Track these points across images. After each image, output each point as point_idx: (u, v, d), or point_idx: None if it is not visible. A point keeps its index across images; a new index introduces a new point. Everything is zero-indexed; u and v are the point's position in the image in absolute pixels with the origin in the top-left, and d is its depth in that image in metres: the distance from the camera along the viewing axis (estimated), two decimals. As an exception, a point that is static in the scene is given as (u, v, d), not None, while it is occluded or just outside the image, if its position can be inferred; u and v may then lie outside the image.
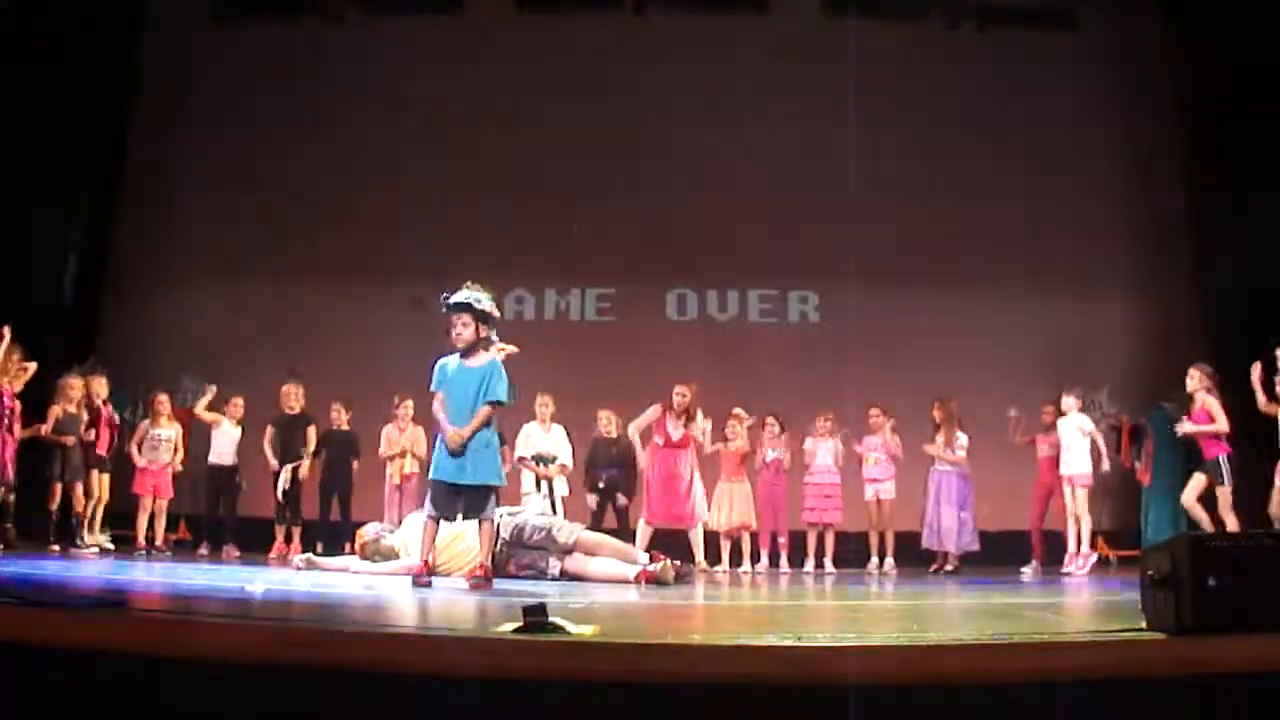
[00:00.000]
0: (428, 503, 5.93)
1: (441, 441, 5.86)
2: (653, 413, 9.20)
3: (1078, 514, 9.12)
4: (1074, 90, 11.73)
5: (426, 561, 5.94)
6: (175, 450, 9.93)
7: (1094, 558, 8.96)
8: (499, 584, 5.92)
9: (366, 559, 7.16)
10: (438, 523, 5.96)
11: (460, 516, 5.96)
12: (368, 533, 7.41)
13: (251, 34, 12.06)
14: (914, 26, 11.77)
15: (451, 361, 5.95)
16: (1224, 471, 8.29)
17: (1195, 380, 8.66)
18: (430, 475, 5.93)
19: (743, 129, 11.68)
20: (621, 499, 9.44)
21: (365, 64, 11.83)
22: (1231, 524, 8.25)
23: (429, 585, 5.69)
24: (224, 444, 10.02)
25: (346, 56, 11.87)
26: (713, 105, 11.72)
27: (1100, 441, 9.35)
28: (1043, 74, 11.76)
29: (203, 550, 9.73)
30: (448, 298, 5.93)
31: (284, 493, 9.78)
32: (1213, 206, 11.22)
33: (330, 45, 11.90)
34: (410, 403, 9.58)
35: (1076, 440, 9.24)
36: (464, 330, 5.89)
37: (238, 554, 9.45)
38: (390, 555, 7.06)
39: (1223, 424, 8.33)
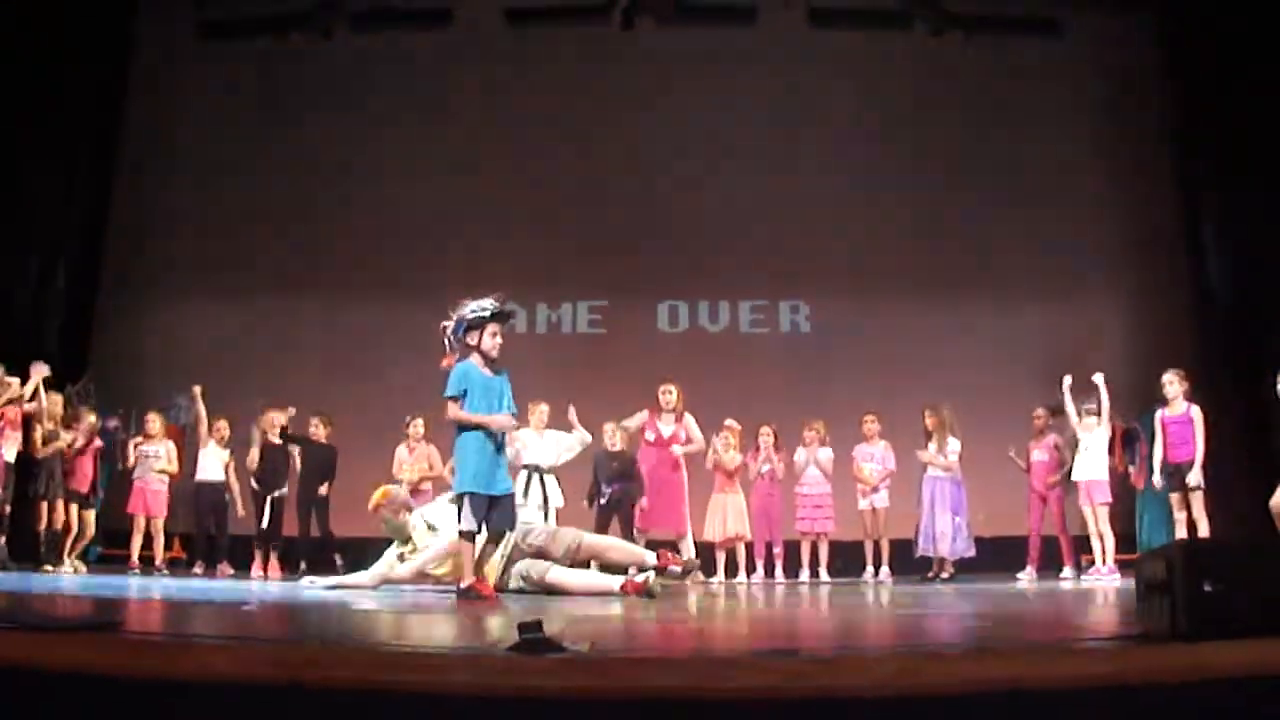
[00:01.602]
0: (469, 517, 5.85)
1: (484, 453, 5.87)
2: (641, 416, 9.21)
3: (1100, 531, 9.08)
4: (1063, 96, 11.82)
5: (479, 579, 5.92)
6: (169, 464, 9.90)
7: (1116, 576, 8.91)
8: (501, 597, 5.92)
9: (379, 515, 7.01)
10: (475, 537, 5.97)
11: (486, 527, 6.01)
12: (395, 493, 7.21)
13: (240, 52, 12.07)
14: (900, 36, 11.81)
15: (473, 369, 6.00)
16: (1200, 476, 8.48)
17: (1177, 385, 8.71)
18: (469, 487, 5.86)
19: (731, 139, 11.73)
20: (626, 511, 9.37)
21: (354, 80, 11.87)
22: (1204, 527, 8.36)
23: (494, 601, 5.62)
24: (211, 462, 9.97)
25: (335, 73, 11.90)
26: (701, 117, 11.78)
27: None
28: (1031, 80, 11.84)
29: (197, 569, 9.69)
30: (501, 309, 6.09)
31: (268, 520, 9.74)
32: (1204, 209, 11.27)
33: (319, 62, 11.91)
34: (419, 422, 9.59)
35: (1098, 457, 9.20)
36: (501, 340, 6.06)
37: (231, 572, 9.43)
38: (401, 532, 6.92)
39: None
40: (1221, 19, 10.43)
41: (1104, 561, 9.00)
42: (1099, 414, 9.19)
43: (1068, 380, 9.25)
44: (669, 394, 9.20)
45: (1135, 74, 11.83)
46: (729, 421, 9.50)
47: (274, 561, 9.75)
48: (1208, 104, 10.86)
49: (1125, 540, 9.52)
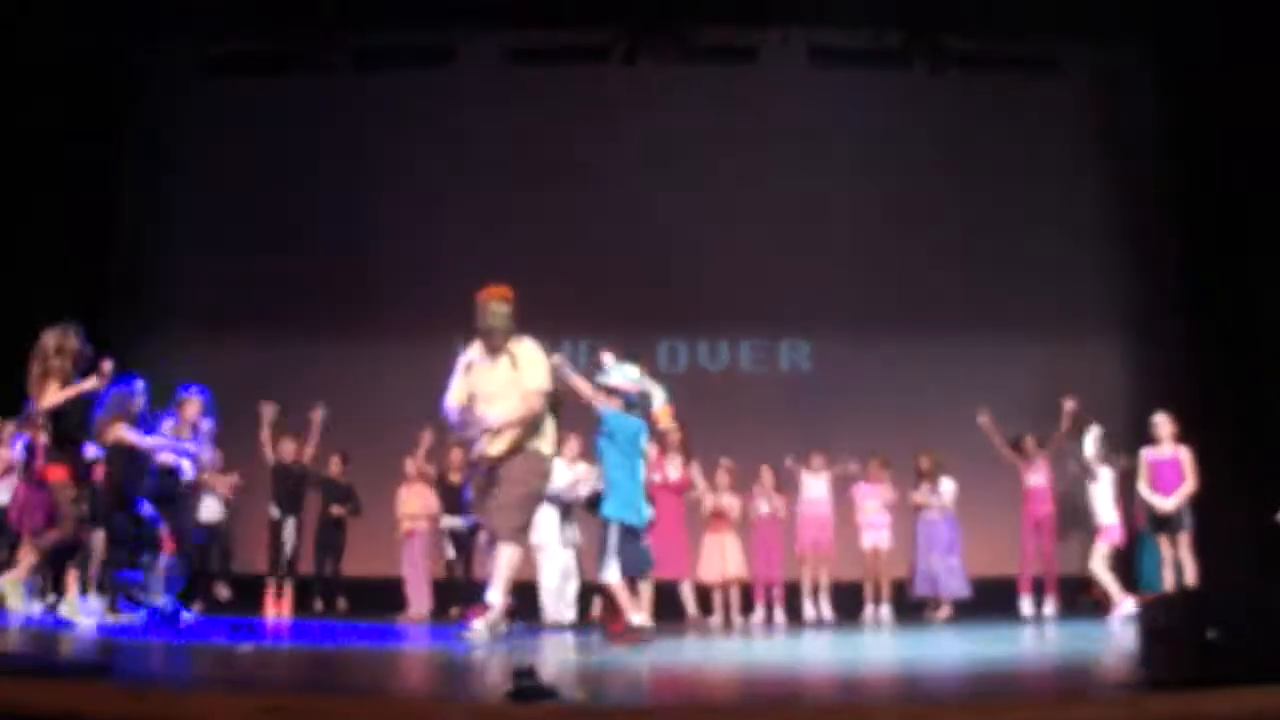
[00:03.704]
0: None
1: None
2: (651, 449, 9.12)
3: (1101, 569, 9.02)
4: (1062, 134, 11.81)
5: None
6: None
7: (1130, 603, 8.82)
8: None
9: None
10: None
11: None
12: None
13: (243, 89, 12.11)
14: (900, 74, 11.86)
15: None
16: (1188, 517, 8.48)
17: (1166, 427, 8.72)
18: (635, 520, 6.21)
19: (731, 177, 11.72)
20: None
21: (357, 118, 11.88)
22: (1191, 568, 8.36)
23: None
24: (212, 501, 9.92)
25: (339, 110, 11.91)
26: (701, 155, 11.77)
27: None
28: (1030, 118, 11.84)
29: (194, 609, 9.62)
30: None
31: (286, 545, 9.67)
32: (1203, 248, 11.27)
33: (323, 99, 11.94)
34: (410, 461, 9.62)
35: (1108, 496, 9.03)
36: None
37: (227, 594, 9.42)
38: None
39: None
40: (1223, 59, 10.44)
41: (1110, 600, 8.94)
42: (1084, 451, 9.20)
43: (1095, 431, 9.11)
44: (673, 433, 9.09)
45: (1134, 112, 11.84)
46: (724, 461, 9.47)
47: (287, 598, 9.70)
48: (1207, 143, 10.88)
49: (1125, 582, 9.47)
